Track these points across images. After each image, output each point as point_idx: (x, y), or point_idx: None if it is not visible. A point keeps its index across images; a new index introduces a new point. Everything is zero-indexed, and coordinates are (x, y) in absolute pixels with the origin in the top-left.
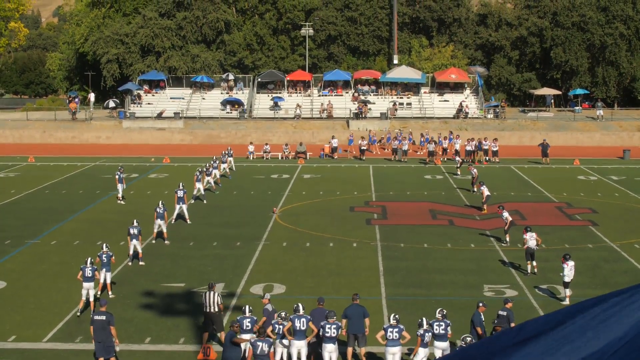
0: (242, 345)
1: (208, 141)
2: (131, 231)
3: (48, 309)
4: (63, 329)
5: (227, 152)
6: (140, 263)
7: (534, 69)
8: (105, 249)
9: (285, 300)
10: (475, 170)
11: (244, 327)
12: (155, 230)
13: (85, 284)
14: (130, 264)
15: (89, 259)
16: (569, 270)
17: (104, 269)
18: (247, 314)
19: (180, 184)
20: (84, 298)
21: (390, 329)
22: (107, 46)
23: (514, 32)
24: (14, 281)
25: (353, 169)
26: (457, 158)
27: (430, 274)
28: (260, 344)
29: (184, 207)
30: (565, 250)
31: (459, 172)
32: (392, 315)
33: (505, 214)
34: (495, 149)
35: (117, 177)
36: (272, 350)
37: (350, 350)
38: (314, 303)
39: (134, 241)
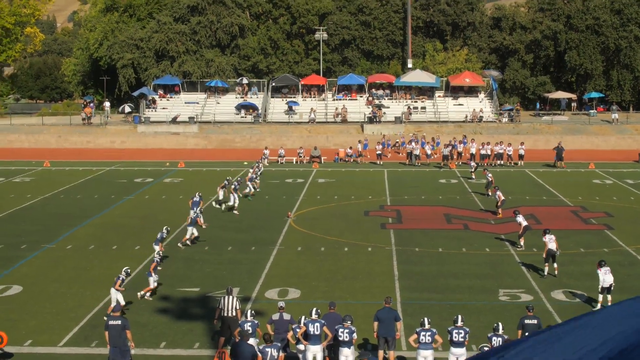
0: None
1: (223, 146)
2: (158, 236)
3: (63, 314)
4: (78, 333)
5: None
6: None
7: (548, 72)
8: (157, 256)
9: (300, 304)
10: (490, 174)
11: (245, 331)
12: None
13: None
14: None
15: (126, 269)
16: (603, 275)
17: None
18: (249, 318)
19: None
20: (114, 303)
21: (422, 333)
22: (122, 51)
23: (528, 36)
24: (30, 286)
25: (368, 173)
26: (472, 162)
27: (445, 279)
28: (269, 350)
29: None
30: (580, 255)
31: (473, 177)
32: (426, 318)
33: (519, 219)
34: (521, 153)
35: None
36: (281, 354)
37: (381, 353)
38: (328, 308)
39: (156, 246)
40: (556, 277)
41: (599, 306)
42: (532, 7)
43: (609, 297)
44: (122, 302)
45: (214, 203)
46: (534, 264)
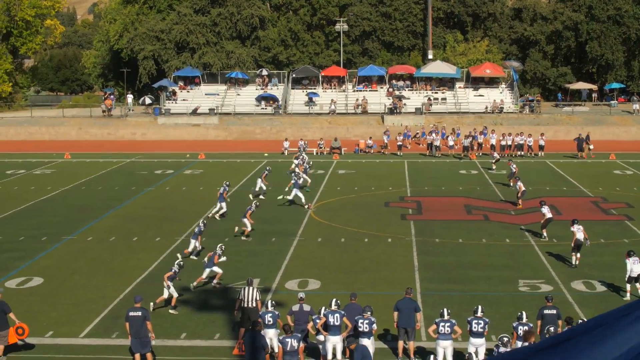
0: (268, 341)
1: (243, 137)
2: (195, 230)
3: (84, 305)
4: (99, 324)
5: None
6: (193, 257)
7: (569, 63)
8: (218, 249)
9: (320, 295)
10: (514, 165)
11: (266, 322)
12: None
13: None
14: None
15: (179, 261)
16: (631, 265)
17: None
18: (269, 309)
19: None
20: (165, 295)
21: (442, 323)
22: (143, 43)
23: (549, 27)
24: (51, 278)
25: (388, 164)
26: (495, 154)
27: (465, 270)
28: (289, 340)
29: (223, 204)
30: (600, 245)
31: (494, 167)
32: (445, 309)
33: (544, 210)
34: (541, 144)
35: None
36: (301, 345)
37: (400, 343)
38: (348, 298)
39: (194, 240)
40: (577, 267)
41: (628, 296)
42: None
43: (638, 285)
44: (175, 295)
45: (252, 196)
46: (555, 254)
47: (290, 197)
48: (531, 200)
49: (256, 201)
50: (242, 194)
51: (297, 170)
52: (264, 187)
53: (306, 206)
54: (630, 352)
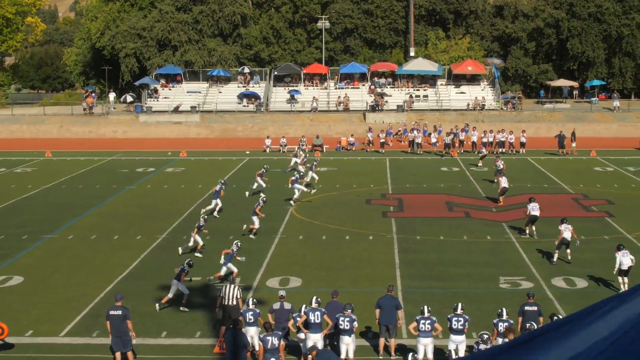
0: (249, 339)
1: (225, 135)
2: (196, 225)
3: (65, 304)
4: (80, 323)
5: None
6: (197, 254)
7: (550, 60)
8: (234, 246)
9: (301, 293)
10: (502, 162)
11: (247, 320)
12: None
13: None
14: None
15: (189, 260)
16: (620, 258)
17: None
18: (250, 307)
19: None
20: (170, 295)
21: (422, 321)
22: (125, 40)
23: (531, 24)
24: (31, 276)
25: (370, 162)
26: (483, 150)
27: (446, 267)
28: (269, 338)
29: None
30: (581, 242)
31: (480, 163)
32: (425, 307)
33: (530, 206)
34: (523, 141)
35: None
36: (282, 342)
37: (382, 341)
38: (330, 296)
39: (194, 234)
40: (570, 264)
41: (624, 287)
42: None
43: (626, 279)
44: (186, 292)
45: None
46: (536, 251)
47: (296, 196)
48: (512, 197)
49: (264, 196)
50: (224, 192)
51: (300, 167)
52: (263, 185)
53: (293, 202)
54: (593, 348)
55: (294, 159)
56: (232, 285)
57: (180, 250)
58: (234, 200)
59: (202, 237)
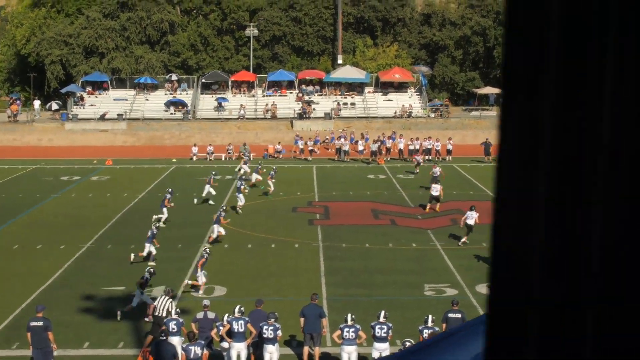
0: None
1: (151, 142)
2: (148, 233)
3: None
4: None
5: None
6: (150, 263)
7: (477, 68)
8: (204, 253)
9: (225, 302)
10: (439, 169)
11: (170, 329)
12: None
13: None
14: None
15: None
16: None
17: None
18: (174, 316)
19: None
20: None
21: (346, 329)
22: (51, 47)
23: (458, 32)
24: None
25: (296, 170)
26: (418, 157)
27: (371, 274)
28: (192, 347)
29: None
30: None
31: (417, 170)
32: (349, 314)
33: (467, 214)
34: (449, 148)
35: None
36: (205, 352)
37: (306, 349)
38: (254, 305)
39: (148, 244)
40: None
41: None
42: (462, 3)
43: None
44: (150, 302)
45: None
46: (461, 258)
47: (240, 203)
48: (441, 204)
49: (223, 205)
50: (150, 200)
51: (245, 167)
52: (213, 192)
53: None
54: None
55: (244, 167)
56: (166, 297)
57: (132, 256)
58: (155, 208)
59: (154, 246)
